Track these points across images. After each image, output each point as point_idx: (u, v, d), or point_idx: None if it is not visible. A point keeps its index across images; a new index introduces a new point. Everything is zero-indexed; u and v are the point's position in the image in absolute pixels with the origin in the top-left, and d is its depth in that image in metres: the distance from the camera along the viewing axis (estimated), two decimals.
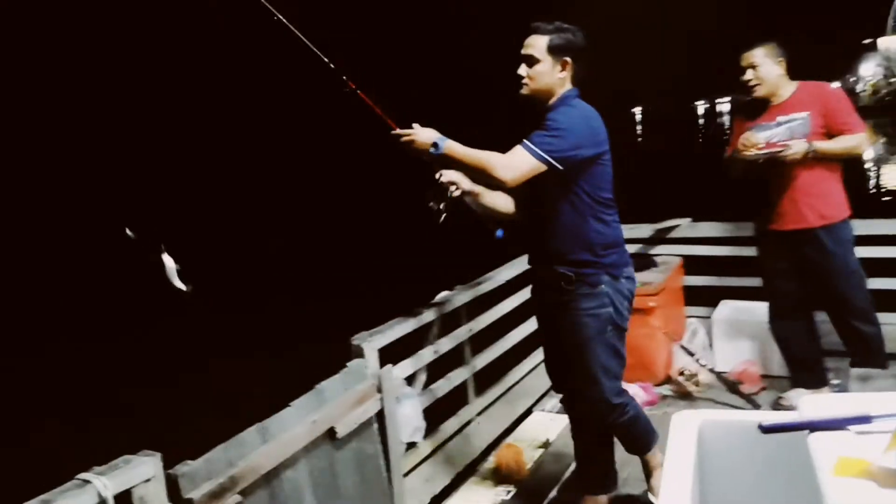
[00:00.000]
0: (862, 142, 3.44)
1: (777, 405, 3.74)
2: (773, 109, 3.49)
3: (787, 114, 3.44)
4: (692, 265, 4.65)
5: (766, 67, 3.43)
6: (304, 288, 10.83)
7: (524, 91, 2.67)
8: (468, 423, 3.55)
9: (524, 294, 4.04)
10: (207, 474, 2.12)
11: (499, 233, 2.73)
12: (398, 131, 2.48)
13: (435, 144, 2.43)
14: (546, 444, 3.69)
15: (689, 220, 2.84)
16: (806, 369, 3.76)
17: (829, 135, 3.41)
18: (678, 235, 4.68)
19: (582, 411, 2.90)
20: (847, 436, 1.07)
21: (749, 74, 3.45)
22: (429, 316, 3.25)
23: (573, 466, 3.45)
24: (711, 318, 4.38)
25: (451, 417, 3.46)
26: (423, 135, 2.45)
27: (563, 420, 3.89)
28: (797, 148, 3.34)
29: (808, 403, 1.18)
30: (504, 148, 2.49)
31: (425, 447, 3.25)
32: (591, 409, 2.79)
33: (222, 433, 2.25)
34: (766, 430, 1.11)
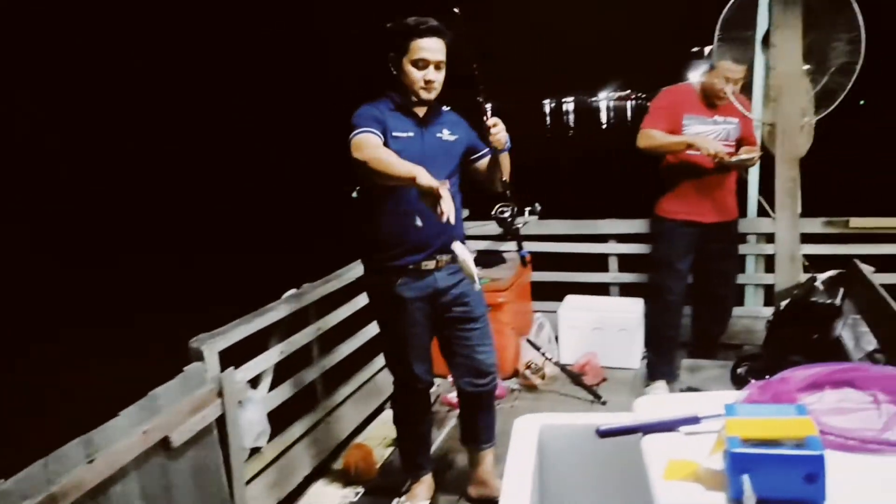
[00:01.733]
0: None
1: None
2: (713, 108, 3.69)
3: (724, 116, 3.68)
4: (539, 261, 4.77)
5: (740, 86, 3.65)
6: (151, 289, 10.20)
7: (433, 96, 2.66)
8: (316, 424, 3.44)
9: None
10: (22, 494, 1.92)
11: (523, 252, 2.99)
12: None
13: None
14: (395, 442, 3.65)
15: (536, 217, 2.92)
16: (670, 362, 3.97)
17: (741, 142, 3.72)
18: (526, 232, 4.78)
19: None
20: (678, 437, 1.10)
21: (729, 89, 3.58)
22: (275, 315, 3.12)
23: None
24: (557, 313, 4.52)
25: (298, 419, 3.34)
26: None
27: None
28: (757, 156, 3.66)
29: (642, 405, 1.20)
30: None
31: (270, 452, 3.13)
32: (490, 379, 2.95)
33: (42, 443, 2.05)
34: (603, 434, 1.12)
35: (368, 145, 2.48)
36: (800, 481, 0.90)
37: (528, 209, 2.90)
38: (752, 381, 3.25)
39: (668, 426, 1.11)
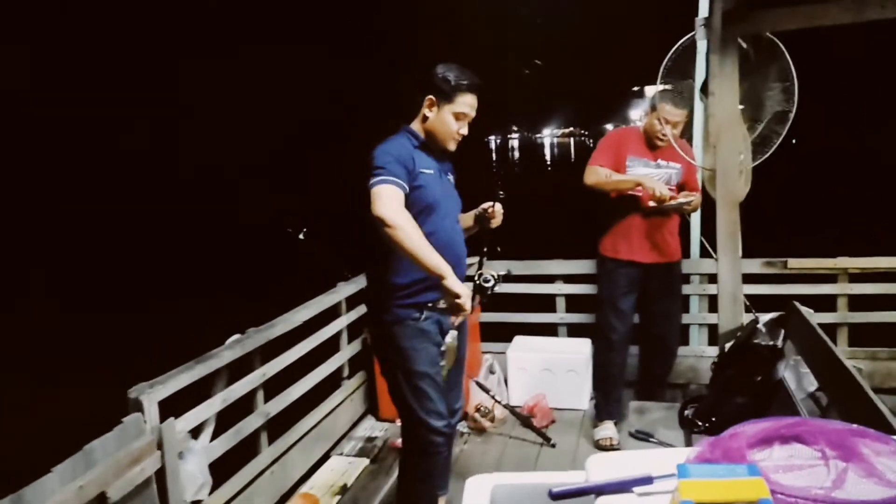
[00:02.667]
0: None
1: (598, 446, 3.90)
2: (656, 152, 3.79)
3: (667, 161, 3.78)
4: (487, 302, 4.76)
5: (680, 128, 3.75)
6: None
7: (454, 148, 2.72)
8: (260, 473, 3.34)
9: (322, 335, 3.93)
10: None
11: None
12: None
13: None
14: (343, 490, 3.57)
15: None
16: (615, 402, 3.99)
17: (683, 187, 3.85)
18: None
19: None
20: (631, 498, 1.09)
21: (668, 131, 3.68)
22: (217, 362, 3.03)
23: None
24: (506, 354, 4.51)
25: (241, 469, 3.23)
26: None
27: (362, 464, 3.81)
28: (697, 201, 3.78)
29: (595, 464, 1.19)
30: None
31: None
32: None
33: None
34: (555, 496, 1.10)
35: (397, 208, 2.40)
36: None
37: (502, 274, 2.95)
38: (699, 422, 3.29)
39: (621, 487, 1.10)
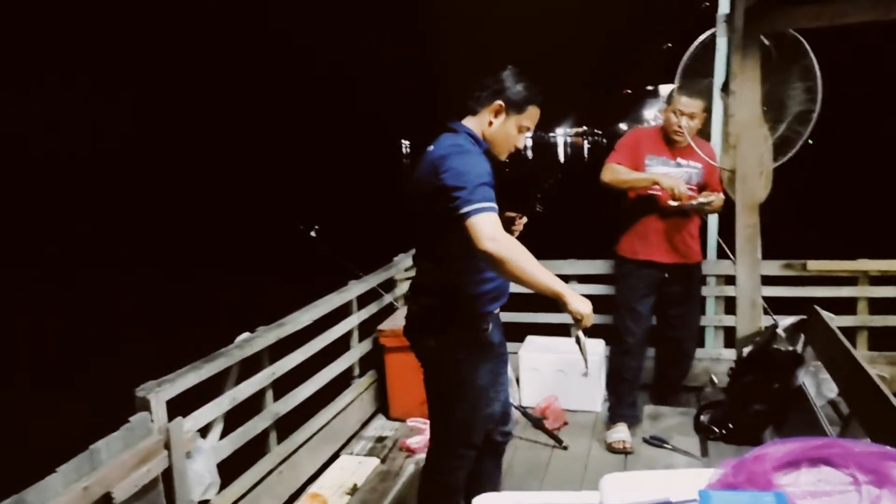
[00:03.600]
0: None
1: (611, 449, 3.83)
2: (676, 151, 3.69)
3: (687, 160, 3.68)
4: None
5: (697, 122, 3.61)
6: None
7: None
8: (269, 473, 3.31)
9: (330, 335, 3.90)
10: None
11: None
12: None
13: None
14: (353, 490, 3.53)
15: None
16: (630, 405, 3.93)
17: (704, 188, 3.72)
18: None
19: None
20: None
21: (685, 123, 3.58)
22: (226, 361, 3.00)
23: None
24: (518, 354, 4.46)
25: (249, 469, 3.21)
26: None
27: (372, 463, 3.78)
28: (719, 201, 3.64)
29: (610, 484, 1.14)
30: None
31: None
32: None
33: None
34: None
35: (502, 238, 2.20)
36: None
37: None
38: (715, 429, 3.23)
39: None
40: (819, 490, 1.05)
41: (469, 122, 2.53)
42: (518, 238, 2.67)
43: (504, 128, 2.49)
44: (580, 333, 2.36)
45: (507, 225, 2.67)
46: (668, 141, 3.70)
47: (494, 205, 2.26)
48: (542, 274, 2.21)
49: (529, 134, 2.57)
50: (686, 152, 3.69)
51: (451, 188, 2.26)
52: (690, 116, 3.58)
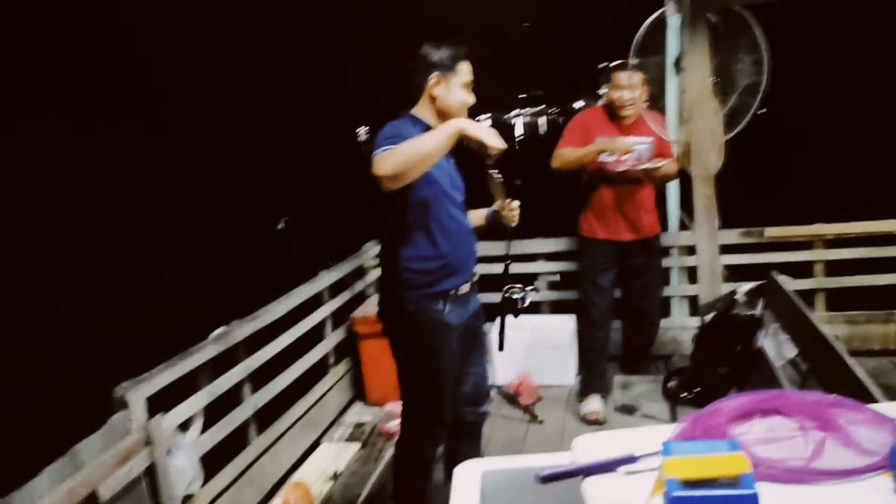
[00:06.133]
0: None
1: (585, 420, 3.92)
2: (624, 128, 3.76)
3: (636, 136, 3.73)
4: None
5: (638, 93, 3.67)
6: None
7: None
8: (251, 464, 3.35)
9: (306, 324, 3.94)
10: None
11: None
12: None
13: None
14: (335, 476, 3.60)
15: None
16: (600, 376, 4.04)
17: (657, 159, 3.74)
18: None
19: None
20: (617, 478, 1.11)
21: (627, 95, 3.65)
22: (202, 357, 3.03)
23: (365, 494, 3.41)
24: (490, 333, 4.53)
25: (231, 462, 3.25)
26: None
27: (353, 448, 3.84)
28: (671, 166, 3.68)
29: (581, 445, 1.21)
30: None
31: (204, 498, 3.02)
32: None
33: None
34: (544, 479, 1.12)
35: (386, 155, 2.26)
36: None
37: (531, 289, 2.87)
38: (683, 394, 3.34)
39: (606, 467, 1.12)
40: (770, 437, 1.14)
41: (417, 110, 2.57)
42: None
43: (449, 94, 2.53)
44: (495, 173, 2.46)
45: (498, 214, 2.69)
46: (616, 119, 3.79)
47: (391, 146, 2.27)
48: (433, 140, 2.27)
49: (470, 90, 2.57)
50: (635, 128, 3.78)
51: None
52: (631, 89, 3.68)
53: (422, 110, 2.57)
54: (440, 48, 2.52)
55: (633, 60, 3.52)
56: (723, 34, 3.40)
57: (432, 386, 2.65)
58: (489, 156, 2.34)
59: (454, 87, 2.52)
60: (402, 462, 2.82)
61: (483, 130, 2.30)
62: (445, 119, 2.50)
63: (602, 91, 3.91)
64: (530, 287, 2.84)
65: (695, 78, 3.34)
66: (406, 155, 2.24)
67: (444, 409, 2.71)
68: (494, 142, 2.31)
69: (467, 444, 2.91)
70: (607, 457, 1.13)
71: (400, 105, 2.62)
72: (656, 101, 3.88)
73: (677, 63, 3.66)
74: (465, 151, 2.51)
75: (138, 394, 2.63)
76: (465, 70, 2.53)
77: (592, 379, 4.04)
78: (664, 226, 4.33)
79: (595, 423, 3.86)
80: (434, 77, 2.51)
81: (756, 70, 3.38)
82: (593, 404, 3.94)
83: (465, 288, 2.64)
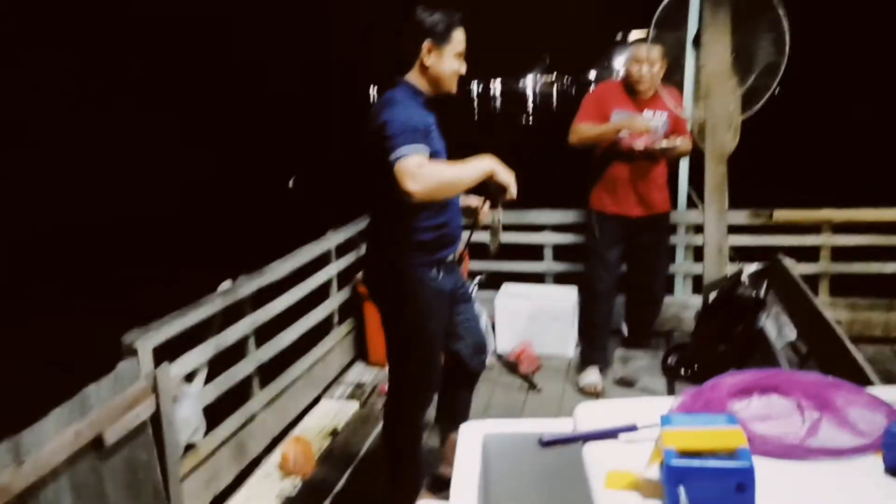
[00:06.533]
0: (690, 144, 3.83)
1: (583, 392, 3.98)
2: (641, 102, 3.75)
3: (653, 110, 3.73)
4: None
5: (657, 67, 3.65)
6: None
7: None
8: (252, 417, 3.41)
9: (312, 282, 3.98)
10: None
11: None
12: None
13: None
14: (335, 433, 3.66)
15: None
16: (601, 348, 4.08)
17: (672, 135, 3.76)
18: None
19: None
20: (617, 445, 1.14)
21: (644, 70, 3.64)
22: (210, 309, 3.07)
23: (363, 452, 3.48)
24: (494, 301, 4.58)
25: (233, 413, 3.31)
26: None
27: (353, 406, 3.90)
28: (685, 145, 3.69)
29: (583, 412, 1.24)
30: None
31: (206, 447, 3.08)
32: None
33: None
34: (545, 444, 1.15)
35: (424, 172, 2.28)
36: (732, 491, 0.96)
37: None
38: (682, 370, 3.38)
39: (607, 434, 1.15)
40: (767, 414, 1.17)
41: (410, 77, 2.58)
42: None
43: (441, 62, 2.53)
44: (500, 213, 2.61)
45: (496, 196, 2.63)
46: (633, 93, 3.77)
47: (418, 146, 2.32)
48: (467, 173, 2.36)
49: (462, 59, 2.58)
50: (651, 103, 3.76)
51: (382, 139, 2.35)
52: (650, 63, 3.66)
53: (415, 76, 2.57)
54: (433, 15, 2.51)
55: (652, 33, 3.49)
56: (745, 11, 3.36)
57: (429, 352, 2.72)
58: (503, 197, 2.45)
59: (446, 55, 2.53)
60: (396, 426, 2.87)
61: (509, 177, 2.40)
62: (438, 86, 2.57)
63: (616, 62, 3.89)
64: (475, 281, 2.95)
65: (714, 54, 3.32)
66: (441, 185, 2.32)
67: (438, 374, 2.80)
68: (514, 190, 2.43)
69: (465, 392, 3.04)
70: (608, 425, 1.16)
71: (394, 70, 2.63)
72: (671, 76, 3.86)
73: (696, 39, 3.63)
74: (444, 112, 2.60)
75: (146, 342, 2.68)
76: (458, 38, 2.54)
77: (593, 352, 4.07)
78: (673, 203, 4.33)
79: (593, 395, 3.91)
80: (426, 45, 2.51)
81: (777, 50, 3.35)
82: (592, 376, 3.98)
83: (454, 256, 2.73)
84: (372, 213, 2.75)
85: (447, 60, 2.53)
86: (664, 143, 3.66)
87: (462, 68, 2.58)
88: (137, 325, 2.72)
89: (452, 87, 2.60)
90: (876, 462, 1.08)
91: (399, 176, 2.27)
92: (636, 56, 3.66)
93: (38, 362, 5.59)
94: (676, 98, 3.82)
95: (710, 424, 1.04)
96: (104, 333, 2.90)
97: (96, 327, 3.91)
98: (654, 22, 3.53)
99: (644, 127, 3.61)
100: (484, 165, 2.38)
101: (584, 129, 3.74)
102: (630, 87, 3.76)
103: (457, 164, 2.38)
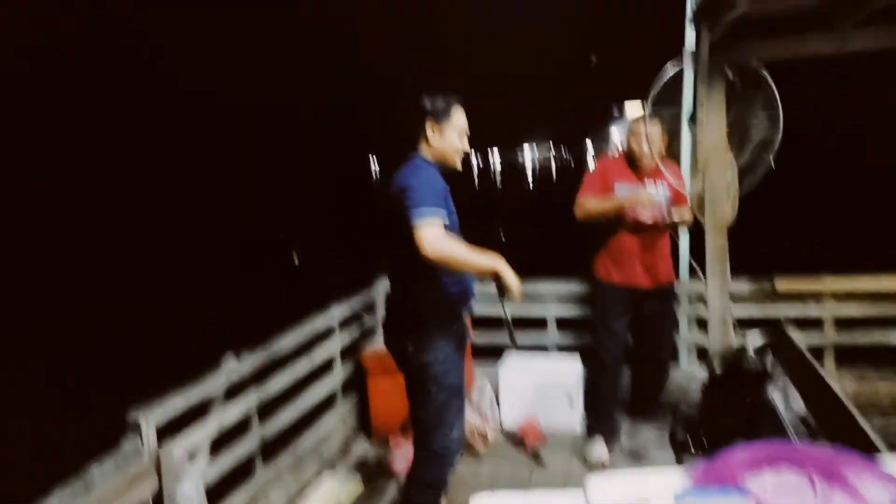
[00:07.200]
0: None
1: (590, 465, 3.92)
2: (642, 175, 3.85)
3: (654, 182, 3.83)
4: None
5: (657, 142, 3.77)
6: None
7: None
8: (255, 494, 3.36)
9: (315, 357, 3.97)
10: None
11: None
12: None
13: None
14: None
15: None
16: (608, 420, 4.04)
17: (676, 205, 3.85)
18: None
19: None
20: None
21: (645, 147, 3.75)
22: (213, 386, 3.07)
23: None
24: (497, 372, 4.54)
25: (235, 491, 3.25)
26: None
27: (356, 483, 3.83)
28: (689, 215, 3.75)
29: (594, 484, 1.23)
30: None
31: None
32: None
33: None
34: None
35: (443, 240, 2.50)
36: None
37: None
38: (690, 444, 3.33)
39: None
40: (780, 488, 1.16)
41: (422, 151, 2.83)
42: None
43: (444, 138, 2.79)
44: (508, 308, 2.74)
45: (501, 292, 2.70)
46: (634, 166, 3.87)
47: (438, 210, 2.54)
48: (480, 261, 2.55)
49: (465, 136, 2.83)
50: (653, 174, 3.85)
51: (405, 202, 2.55)
52: (651, 139, 3.76)
53: (424, 151, 2.82)
54: (435, 98, 2.80)
55: (648, 110, 3.60)
56: (739, 89, 3.46)
57: (447, 401, 2.83)
58: (507, 296, 2.61)
59: (447, 131, 2.79)
60: (421, 489, 2.92)
61: (514, 280, 2.57)
62: (444, 161, 2.81)
63: (613, 136, 4.00)
64: None
65: (710, 130, 3.39)
66: (451, 259, 2.51)
67: (459, 429, 2.90)
68: (518, 292, 2.59)
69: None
70: (619, 498, 1.15)
71: (403, 146, 2.88)
72: (669, 148, 3.95)
73: (692, 117, 3.72)
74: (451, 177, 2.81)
75: (150, 419, 2.67)
76: (458, 115, 2.81)
77: (600, 425, 4.03)
78: (675, 273, 4.36)
79: (600, 468, 3.84)
80: (429, 123, 2.78)
81: (772, 126, 3.44)
82: (599, 451, 3.93)
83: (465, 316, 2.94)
84: (392, 274, 2.92)
85: (449, 136, 2.78)
86: (675, 217, 3.75)
87: (465, 145, 2.82)
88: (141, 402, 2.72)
89: (456, 163, 2.83)
90: None
91: (418, 236, 2.47)
92: (636, 131, 3.76)
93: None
94: (676, 172, 3.90)
95: (724, 500, 1.04)
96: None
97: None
98: (649, 100, 3.63)
99: (649, 200, 3.69)
100: (494, 263, 2.56)
101: (589, 203, 3.82)
102: (631, 160, 3.86)
103: (473, 249, 2.55)
